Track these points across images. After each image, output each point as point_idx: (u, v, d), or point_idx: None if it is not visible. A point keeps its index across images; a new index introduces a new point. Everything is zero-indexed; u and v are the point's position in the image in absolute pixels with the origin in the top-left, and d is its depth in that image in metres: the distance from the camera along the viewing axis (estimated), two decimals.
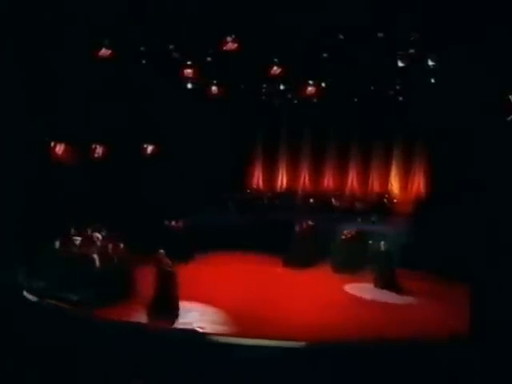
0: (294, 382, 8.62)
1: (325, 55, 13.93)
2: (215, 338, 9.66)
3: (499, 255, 9.91)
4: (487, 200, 13.78)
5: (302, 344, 9.44)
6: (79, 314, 10.58)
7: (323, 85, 16.37)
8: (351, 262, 15.34)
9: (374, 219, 16.74)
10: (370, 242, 14.74)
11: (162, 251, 11.49)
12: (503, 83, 9.51)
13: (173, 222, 16.71)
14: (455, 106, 15.40)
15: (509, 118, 8.60)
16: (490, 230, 11.32)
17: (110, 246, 12.50)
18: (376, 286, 14.11)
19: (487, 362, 8.52)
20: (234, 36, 12.65)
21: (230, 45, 12.54)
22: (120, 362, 8.61)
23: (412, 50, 12.83)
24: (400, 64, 13.16)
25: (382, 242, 14.38)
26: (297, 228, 16.56)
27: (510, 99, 8.71)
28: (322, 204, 18.46)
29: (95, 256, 11.83)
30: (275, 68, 14.63)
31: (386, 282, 13.95)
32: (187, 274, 12.68)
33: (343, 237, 15.83)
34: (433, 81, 14.82)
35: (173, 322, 10.76)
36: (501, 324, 8.99)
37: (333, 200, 18.39)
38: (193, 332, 10.00)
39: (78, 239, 12.70)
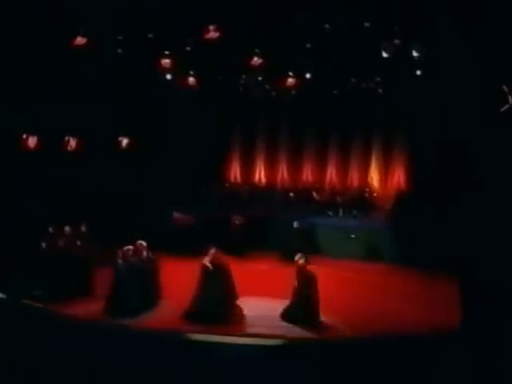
0: (282, 380, 8.43)
1: (308, 45, 13.69)
2: (197, 336, 9.35)
3: (486, 247, 9.85)
4: (472, 193, 13.85)
5: (286, 342, 9.20)
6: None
7: (303, 77, 16.11)
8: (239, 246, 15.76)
9: (356, 213, 16.62)
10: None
11: (300, 254, 10.99)
12: (494, 73, 9.36)
13: None
14: (437, 99, 15.38)
15: (503, 109, 8.45)
16: (475, 223, 11.27)
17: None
18: (280, 260, 14.85)
19: (477, 357, 8.45)
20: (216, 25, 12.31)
21: (213, 33, 12.14)
22: (100, 365, 8.29)
23: (397, 41, 12.65)
24: (384, 54, 12.97)
25: (295, 222, 15.47)
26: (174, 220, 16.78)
27: (503, 89, 8.55)
28: (303, 198, 18.19)
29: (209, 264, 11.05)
30: (256, 59, 14.32)
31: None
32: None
33: (236, 222, 16.45)
34: (418, 73, 14.70)
35: (315, 329, 10.38)
36: (491, 318, 8.93)
37: (314, 194, 18.16)
38: (176, 332, 9.67)
39: (130, 248, 11.65)
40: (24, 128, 14.36)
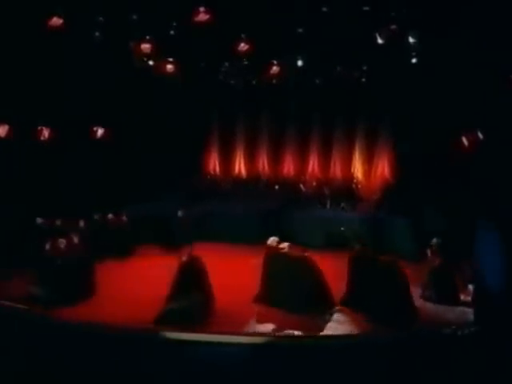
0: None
1: (300, 30, 13.20)
2: (177, 335, 8.82)
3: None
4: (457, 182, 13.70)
5: (272, 339, 8.76)
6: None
7: (285, 65, 15.57)
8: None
9: (344, 205, 16.16)
10: None
11: (436, 240, 11.24)
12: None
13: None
14: (422, 88, 15.12)
15: None
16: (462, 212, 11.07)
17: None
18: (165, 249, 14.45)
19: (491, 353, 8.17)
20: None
21: (202, 15, 11.47)
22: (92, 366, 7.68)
23: (394, 26, 12.26)
24: (379, 41, 12.58)
25: (179, 211, 15.23)
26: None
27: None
28: (289, 191, 17.62)
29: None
30: (242, 45, 13.71)
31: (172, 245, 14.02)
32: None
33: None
34: (404, 62, 14.40)
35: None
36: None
37: (301, 186, 17.60)
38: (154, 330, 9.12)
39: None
40: None
